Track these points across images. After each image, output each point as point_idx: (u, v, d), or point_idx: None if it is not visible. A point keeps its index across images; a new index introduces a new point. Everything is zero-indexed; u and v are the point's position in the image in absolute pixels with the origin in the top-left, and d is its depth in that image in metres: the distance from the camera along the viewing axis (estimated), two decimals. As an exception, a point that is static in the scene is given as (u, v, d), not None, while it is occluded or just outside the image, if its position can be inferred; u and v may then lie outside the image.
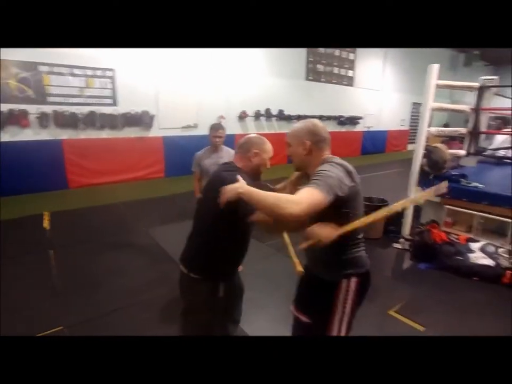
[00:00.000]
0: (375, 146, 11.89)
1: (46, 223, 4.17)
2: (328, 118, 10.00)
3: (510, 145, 4.65)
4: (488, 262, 2.88)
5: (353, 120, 10.90)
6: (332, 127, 10.28)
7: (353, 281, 1.26)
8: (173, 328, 1.82)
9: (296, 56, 8.81)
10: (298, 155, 1.30)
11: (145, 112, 6.30)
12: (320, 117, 9.65)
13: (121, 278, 2.91)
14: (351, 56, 10.30)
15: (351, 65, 10.38)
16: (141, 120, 6.28)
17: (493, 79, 3.25)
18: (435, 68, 3.23)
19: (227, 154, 2.74)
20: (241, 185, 1.14)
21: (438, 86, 3.27)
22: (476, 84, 3.29)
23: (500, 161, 4.51)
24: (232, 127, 7.51)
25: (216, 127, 2.69)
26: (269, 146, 1.54)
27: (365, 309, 1.42)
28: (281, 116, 8.71)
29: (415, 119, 14.13)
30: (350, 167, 1.20)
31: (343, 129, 10.68)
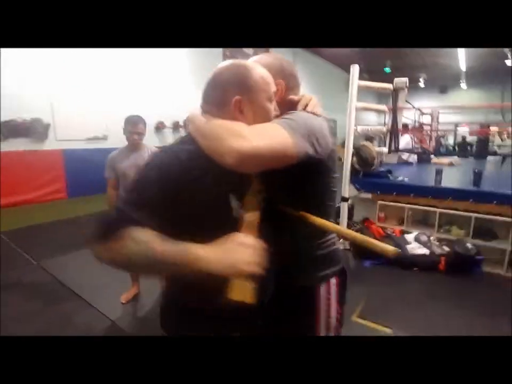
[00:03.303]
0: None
1: None
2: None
3: (410, 147, 5.26)
4: (424, 251, 2.99)
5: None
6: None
7: (333, 283, 0.93)
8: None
9: (213, 68, 8.68)
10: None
11: (37, 120, 5.16)
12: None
13: (9, 328, 2.02)
14: (265, 72, 10.73)
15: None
16: (31, 129, 5.11)
17: (403, 80, 3.54)
18: (356, 68, 3.34)
19: (149, 154, 2.23)
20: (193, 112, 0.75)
21: (359, 87, 3.39)
22: (390, 86, 3.54)
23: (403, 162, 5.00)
24: (150, 139, 6.82)
25: (134, 121, 2.15)
26: (262, 74, 0.74)
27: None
28: (202, 128, 8.37)
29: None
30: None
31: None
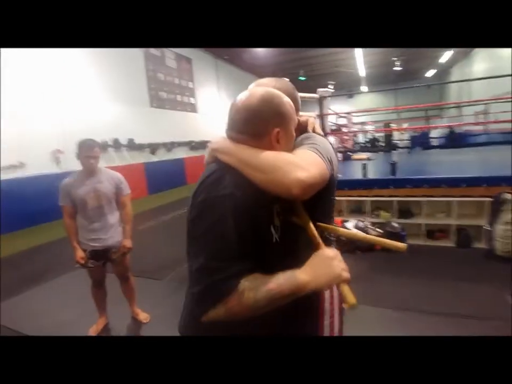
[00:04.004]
0: (227, 166, 12.76)
1: None
2: (180, 144, 9.98)
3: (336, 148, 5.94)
4: (363, 235, 3.46)
5: (203, 145, 11.29)
6: (185, 153, 10.31)
7: None
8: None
9: (136, 82, 8.40)
10: None
11: None
12: (172, 143, 9.53)
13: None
14: (190, 84, 10.76)
15: (191, 92, 10.81)
16: None
17: (327, 90, 4.06)
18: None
19: (108, 177, 2.18)
20: (215, 140, 0.78)
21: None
22: (316, 95, 4.03)
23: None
24: (73, 162, 6.26)
25: (89, 145, 2.07)
26: (290, 103, 0.78)
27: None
28: (132, 146, 8.00)
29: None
30: None
31: (197, 153, 10.90)
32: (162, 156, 9.22)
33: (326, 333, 0.95)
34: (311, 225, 0.73)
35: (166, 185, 8.97)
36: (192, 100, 10.84)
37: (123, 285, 2.39)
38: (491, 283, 2.62)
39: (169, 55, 9.65)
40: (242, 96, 0.75)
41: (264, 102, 0.72)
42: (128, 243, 2.23)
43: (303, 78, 14.90)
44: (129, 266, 2.37)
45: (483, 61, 13.94)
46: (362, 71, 16.18)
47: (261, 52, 12.15)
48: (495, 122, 8.79)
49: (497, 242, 3.03)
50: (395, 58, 14.61)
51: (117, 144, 7.54)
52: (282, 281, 0.63)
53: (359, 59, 13.74)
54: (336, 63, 15.32)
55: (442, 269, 2.97)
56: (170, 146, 9.49)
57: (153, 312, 2.48)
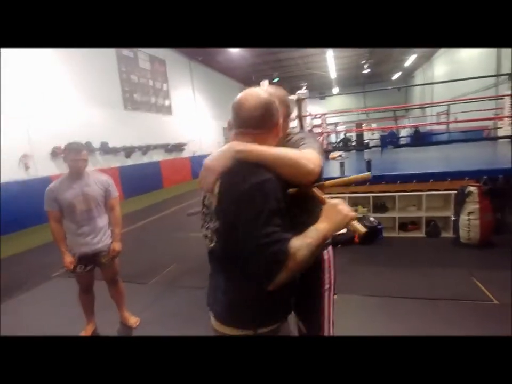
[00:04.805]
0: (203, 169, 12.70)
1: None
2: (156, 147, 9.83)
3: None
4: (343, 230, 3.64)
5: (179, 147, 11.20)
6: (161, 156, 10.17)
7: (330, 249, 1.28)
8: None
9: (109, 84, 8.19)
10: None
11: None
12: (148, 146, 9.37)
13: None
14: (164, 86, 10.63)
15: (165, 94, 10.69)
16: None
17: (305, 93, 4.23)
18: (265, 83, 3.84)
19: (96, 180, 2.17)
20: (235, 144, 0.88)
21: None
22: (295, 97, 4.19)
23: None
24: (44, 167, 6.02)
25: (76, 148, 2.05)
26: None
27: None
28: (106, 149, 7.79)
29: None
30: None
31: (171, 156, 10.79)
32: (137, 159, 9.04)
33: (326, 304, 1.25)
34: (316, 190, 0.95)
35: (142, 189, 8.80)
36: (167, 102, 10.72)
37: (112, 289, 2.38)
38: (458, 268, 2.88)
39: (142, 56, 9.50)
40: (248, 97, 0.89)
41: (269, 100, 0.89)
42: (117, 246, 2.23)
43: (277, 80, 15.17)
44: (119, 270, 2.36)
45: (443, 65, 14.92)
46: (333, 74, 16.72)
47: (235, 53, 12.23)
48: (455, 122, 9.47)
49: (462, 231, 3.32)
50: (364, 62, 15.27)
51: (90, 148, 7.29)
52: (312, 234, 0.77)
53: (330, 62, 14.21)
54: (309, 66, 15.74)
55: (415, 257, 3.21)
56: (145, 149, 9.33)
57: (142, 316, 2.48)
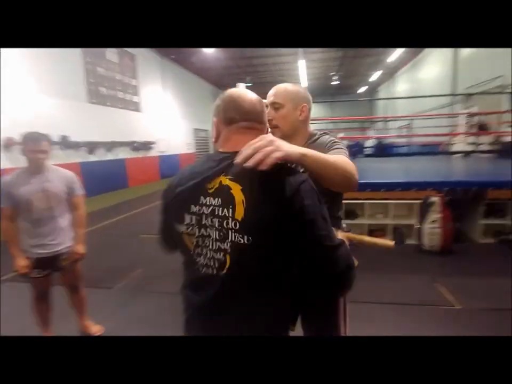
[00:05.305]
0: (171, 169, 12.26)
1: None
2: (121, 144, 9.37)
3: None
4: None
5: (146, 146, 10.79)
6: (126, 154, 9.71)
7: None
8: None
9: (73, 75, 7.68)
10: (292, 120, 1.12)
11: None
12: (113, 143, 8.90)
13: None
14: (133, 82, 10.20)
15: (134, 90, 10.26)
16: None
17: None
18: (241, 86, 3.80)
19: (58, 175, 1.98)
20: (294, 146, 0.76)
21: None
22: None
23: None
24: (-3, 160, 5.48)
25: (35, 138, 1.86)
26: None
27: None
28: (67, 143, 7.27)
29: (199, 143, 15.93)
30: None
31: (139, 154, 10.35)
32: (101, 155, 8.54)
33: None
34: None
35: (105, 187, 8.32)
36: (135, 98, 10.28)
37: (73, 297, 2.17)
38: (422, 274, 3.02)
39: (110, 48, 9.04)
40: (242, 92, 0.84)
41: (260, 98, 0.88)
42: (80, 249, 2.04)
43: (249, 84, 15.23)
44: (81, 275, 2.17)
45: (405, 82, 15.94)
46: (304, 82, 17.15)
47: (209, 55, 12.09)
48: (415, 135, 10.11)
49: (425, 239, 3.50)
50: (333, 73, 15.85)
51: (48, 140, 6.77)
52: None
53: (302, 71, 14.55)
54: (281, 73, 16.01)
55: (382, 264, 3.32)
56: (110, 145, 8.84)
57: (106, 325, 2.30)
